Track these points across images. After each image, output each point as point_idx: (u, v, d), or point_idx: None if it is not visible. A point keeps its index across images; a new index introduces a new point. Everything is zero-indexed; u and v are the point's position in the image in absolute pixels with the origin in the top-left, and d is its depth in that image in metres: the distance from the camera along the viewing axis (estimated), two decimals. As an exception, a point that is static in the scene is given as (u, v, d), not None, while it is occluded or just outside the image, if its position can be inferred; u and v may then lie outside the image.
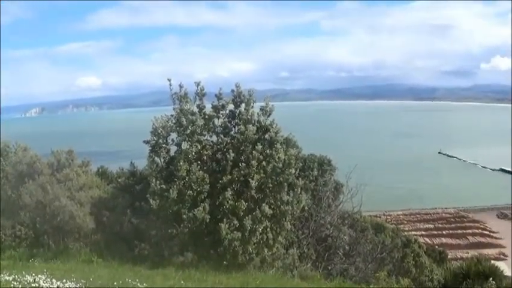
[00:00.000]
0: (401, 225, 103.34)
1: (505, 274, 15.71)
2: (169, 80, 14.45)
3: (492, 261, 16.13)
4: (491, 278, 13.78)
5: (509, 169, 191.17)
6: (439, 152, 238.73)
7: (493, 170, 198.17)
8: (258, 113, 14.33)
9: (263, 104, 14.52)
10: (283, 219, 14.07)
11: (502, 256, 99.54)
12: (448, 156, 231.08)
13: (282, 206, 13.84)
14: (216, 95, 14.72)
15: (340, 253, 20.76)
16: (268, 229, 13.83)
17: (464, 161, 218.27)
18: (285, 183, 13.84)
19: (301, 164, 16.62)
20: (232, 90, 14.66)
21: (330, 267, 19.93)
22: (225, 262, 13.62)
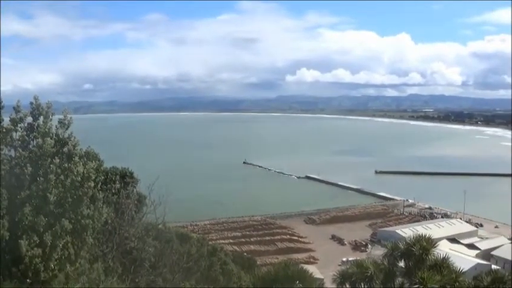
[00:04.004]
0: (209, 235, 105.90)
1: (316, 276, 16.69)
2: (-33, 93, 13.79)
3: (302, 265, 16.99)
4: (297, 281, 14.61)
5: (315, 176, 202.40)
6: (244, 162, 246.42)
7: (299, 177, 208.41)
8: (56, 126, 14.07)
9: (62, 116, 14.30)
10: (85, 233, 13.90)
11: (312, 260, 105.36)
12: (254, 165, 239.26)
13: (82, 220, 13.66)
14: (14, 108, 14.21)
15: (146, 265, 20.87)
16: (70, 244, 13.59)
17: (269, 169, 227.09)
18: (85, 197, 13.69)
19: (102, 177, 16.49)
20: (31, 103, 14.21)
21: (137, 280, 20.00)
22: (28, 280, 13.22)
